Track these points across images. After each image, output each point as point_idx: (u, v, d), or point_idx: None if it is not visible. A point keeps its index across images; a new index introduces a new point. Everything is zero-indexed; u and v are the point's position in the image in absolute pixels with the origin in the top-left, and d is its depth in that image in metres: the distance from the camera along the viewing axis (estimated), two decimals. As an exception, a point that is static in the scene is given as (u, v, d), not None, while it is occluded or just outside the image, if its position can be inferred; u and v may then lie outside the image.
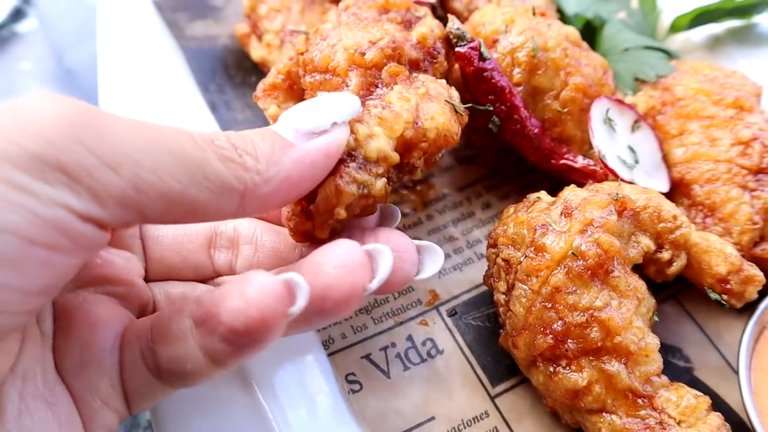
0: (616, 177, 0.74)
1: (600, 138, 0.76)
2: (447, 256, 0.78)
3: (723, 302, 0.67)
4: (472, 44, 0.71)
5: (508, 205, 0.70)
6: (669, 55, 0.90)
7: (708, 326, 0.74)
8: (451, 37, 0.70)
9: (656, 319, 0.66)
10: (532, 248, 0.63)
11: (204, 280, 0.63)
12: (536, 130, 0.75)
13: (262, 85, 0.71)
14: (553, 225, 0.63)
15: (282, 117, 0.53)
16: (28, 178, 0.37)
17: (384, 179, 0.56)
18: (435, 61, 0.67)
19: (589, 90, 0.77)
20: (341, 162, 0.54)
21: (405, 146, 0.58)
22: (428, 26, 0.67)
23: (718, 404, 0.68)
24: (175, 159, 0.42)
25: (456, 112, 0.63)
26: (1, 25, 1.12)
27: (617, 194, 0.65)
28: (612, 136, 0.77)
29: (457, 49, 0.70)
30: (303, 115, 0.52)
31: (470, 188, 0.85)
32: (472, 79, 0.73)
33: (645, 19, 0.97)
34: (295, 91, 0.70)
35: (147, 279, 0.60)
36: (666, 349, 0.71)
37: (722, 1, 0.92)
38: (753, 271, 0.66)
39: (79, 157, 0.39)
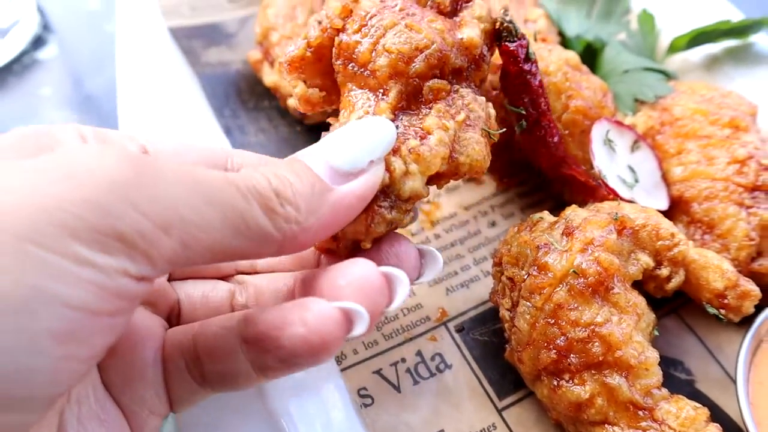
0: (617, 196, 0.76)
1: (601, 159, 0.78)
2: (454, 273, 0.81)
3: (721, 317, 0.68)
4: (521, 42, 0.67)
5: (512, 225, 0.73)
6: (667, 76, 0.92)
7: (708, 339, 0.76)
8: (501, 29, 0.66)
9: (657, 333, 0.68)
10: (535, 267, 0.65)
11: (224, 277, 0.65)
12: (556, 139, 0.76)
13: (288, 57, 0.64)
14: (555, 244, 0.65)
15: (318, 150, 0.52)
16: (90, 251, 0.37)
17: (411, 213, 0.57)
18: (479, 69, 0.63)
19: (589, 112, 0.80)
20: (374, 200, 0.54)
21: (435, 177, 0.58)
22: (478, 28, 0.63)
23: (719, 416, 0.70)
24: (222, 214, 0.43)
25: (489, 136, 0.62)
26: (22, 53, 1.16)
27: (617, 214, 0.67)
28: (612, 157, 0.79)
29: (505, 43, 0.67)
30: (340, 152, 0.52)
31: (476, 207, 0.88)
32: (513, 79, 0.71)
33: (644, 40, 0.99)
34: (323, 65, 0.63)
35: (169, 279, 0.62)
36: (668, 362, 0.73)
37: (719, 22, 0.95)
38: (749, 286, 0.68)
39: (133, 223, 0.39)
